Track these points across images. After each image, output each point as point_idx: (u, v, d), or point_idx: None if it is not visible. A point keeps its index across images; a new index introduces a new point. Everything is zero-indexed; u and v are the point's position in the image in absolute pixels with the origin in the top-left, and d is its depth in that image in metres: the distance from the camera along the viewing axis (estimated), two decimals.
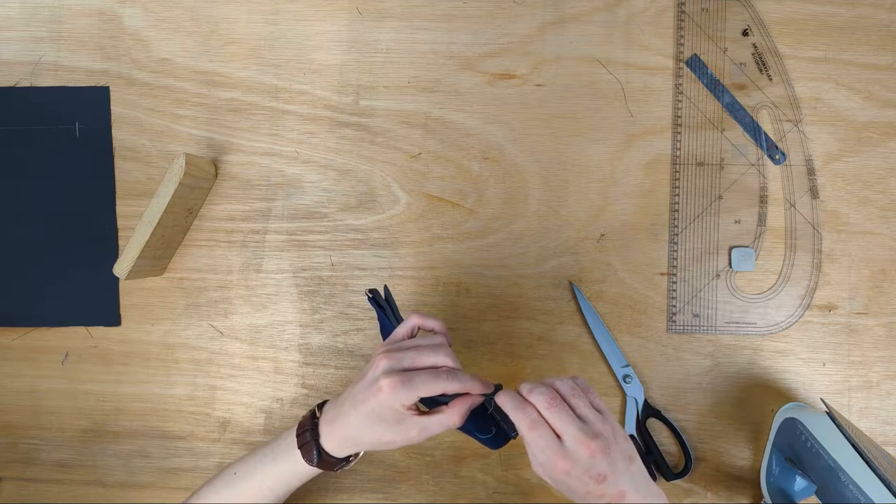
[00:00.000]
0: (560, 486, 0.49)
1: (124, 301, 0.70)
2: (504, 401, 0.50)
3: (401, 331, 0.56)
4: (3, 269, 0.71)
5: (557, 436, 0.48)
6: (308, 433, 0.55)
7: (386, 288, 0.61)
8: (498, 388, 0.53)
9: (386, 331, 0.59)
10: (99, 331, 0.70)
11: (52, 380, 0.71)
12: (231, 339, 0.70)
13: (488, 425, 0.55)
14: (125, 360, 0.70)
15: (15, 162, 0.70)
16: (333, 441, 0.54)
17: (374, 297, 0.59)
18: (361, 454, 0.57)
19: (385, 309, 0.59)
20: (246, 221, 0.69)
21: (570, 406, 0.50)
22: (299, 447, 0.55)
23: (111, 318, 0.70)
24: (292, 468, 0.56)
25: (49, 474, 0.71)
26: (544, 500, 0.68)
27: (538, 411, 0.49)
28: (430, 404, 0.54)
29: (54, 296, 0.70)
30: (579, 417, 0.49)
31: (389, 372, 0.51)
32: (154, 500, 0.70)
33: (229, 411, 0.70)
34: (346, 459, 0.56)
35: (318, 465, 0.55)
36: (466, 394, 0.52)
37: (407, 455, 0.69)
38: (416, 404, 0.52)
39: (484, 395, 0.53)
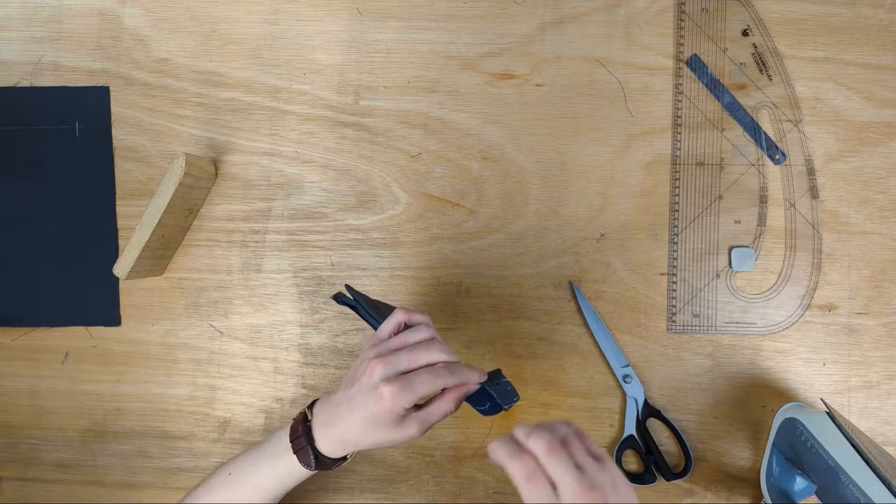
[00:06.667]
0: None
1: (124, 301, 0.70)
2: (498, 450, 0.46)
3: (386, 328, 0.55)
4: (4, 269, 0.71)
5: (553, 485, 0.44)
6: (302, 438, 0.55)
7: (347, 286, 0.58)
8: (495, 373, 0.57)
9: (371, 326, 0.58)
10: (99, 331, 0.70)
11: (52, 380, 0.71)
12: (231, 339, 0.70)
13: (483, 399, 0.57)
14: (125, 360, 0.70)
15: (15, 162, 0.70)
16: (330, 443, 0.54)
17: (341, 300, 0.58)
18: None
19: (357, 307, 0.58)
20: (246, 221, 0.69)
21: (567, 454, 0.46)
22: (295, 453, 0.55)
23: (111, 318, 0.70)
24: (288, 470, 0.56)
25: (49, 474, 0.71)
26: None
27: (536, 459, 0.45)
28: None
29: (54, 296, 0.70)
30: (577, 466, 0.45)
31: (388, 378, 0.51)
32: (154, 500, 0.70)
33: (229, 411, 0.70)
34: (343, 457, 0.56)
35: (315, 469, 0.55)
36: None
37: (407, 455, 0.69)
38: None
39: (480, 383, 0.54)
